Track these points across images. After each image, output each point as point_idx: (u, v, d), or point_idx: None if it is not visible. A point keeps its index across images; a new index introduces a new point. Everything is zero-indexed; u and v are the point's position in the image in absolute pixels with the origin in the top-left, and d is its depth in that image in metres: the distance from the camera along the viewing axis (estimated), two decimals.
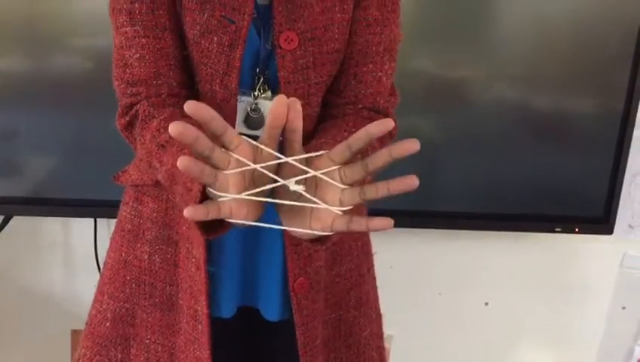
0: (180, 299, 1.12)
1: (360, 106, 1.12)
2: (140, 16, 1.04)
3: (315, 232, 0.85)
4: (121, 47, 1.07)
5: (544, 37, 1.78)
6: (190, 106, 0.77)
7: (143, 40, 1.05)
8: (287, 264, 1.10)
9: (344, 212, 0.84)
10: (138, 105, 1.05)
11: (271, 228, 1.06)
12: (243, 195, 0.81)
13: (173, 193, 0.97)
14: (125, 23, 1.05)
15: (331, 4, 1.06)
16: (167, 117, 1.01)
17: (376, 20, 1.10)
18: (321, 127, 1.10)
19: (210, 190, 0.82)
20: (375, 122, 0.81)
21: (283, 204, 0.85)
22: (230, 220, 0.82)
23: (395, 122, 1.13)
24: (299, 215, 0.86)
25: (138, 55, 1.05)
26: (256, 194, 0.82)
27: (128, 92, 1.06)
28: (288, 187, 0.82)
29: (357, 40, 1.10)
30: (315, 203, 0.83)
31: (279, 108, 0.80)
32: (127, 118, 1.07)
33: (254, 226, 0.84)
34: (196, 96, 1.09)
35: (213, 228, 0.90)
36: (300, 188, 0.82)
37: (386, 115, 1.14)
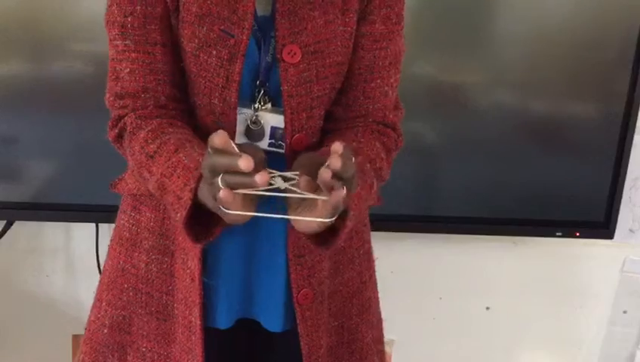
0: (175, 308, 1.13)
1: (370, 120, 1.12)
2: (132, 30, 1.04)
3: (317, 220, 0.88)
4: (113, 59, 1.07)
5: (544, 42, 1.78)
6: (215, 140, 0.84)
7: (134, 54, 1.05)
8: (290, 276, 1.10)
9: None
10: (126, 118, 1.06)
11: (273, 242, 1.10)
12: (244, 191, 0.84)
13: (165, 204, 0.98)
14: (117, 36, 1.05)
15: (333, 16, 1.05)
16: (154, 128, 1.02)
17: (382, 35, 1.10)
18: (330, 136, 1.10)
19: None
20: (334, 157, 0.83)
21: (291, 204, 0.90)
22: (227, 211, 0.85)
23: (402, 135, 1.15)
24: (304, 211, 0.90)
25: (128, 69, 1.05)
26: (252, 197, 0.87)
27: (116, 105, 1.07)
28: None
29: (364, 55, 1.10)
30: (301, 194, 0.87)
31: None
32: (117, 130, 1.07)
33: (257, 216, 0.87)
34: (186, 109, 1.10)
35: (203, 235, 0.92)
36: (286, 185, 0.86)
37: (394, 129, 1.15)
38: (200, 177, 0.91)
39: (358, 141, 1.07)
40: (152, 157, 0.99)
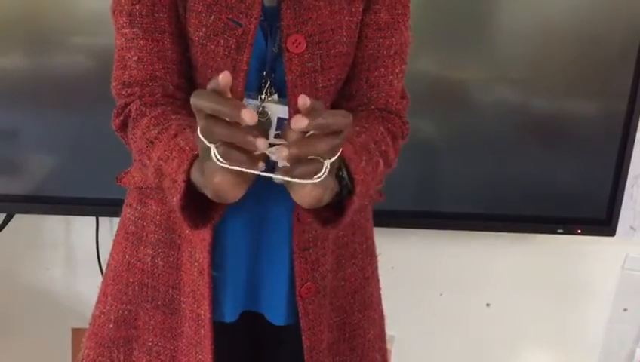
0: (182, 302, 1.12)
1: (372, 107, 1.12)
2: (140, 18, 1.04)
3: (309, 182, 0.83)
4: (121, 48, 1.07)
5: (547, 39, 1.78)
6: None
7: (142, 42, 1.04)
8: (294, 269, 1.09)
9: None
10: (131, 105, 1.05)
11: (278, 235, 1.09)
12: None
13: (163, 190, 0.96)
14: (125, 24, 1.05)
15: (339, 6, 1.05)
16: (157, 115, 1.01)
17: (387, 24, 1.09)
18: None
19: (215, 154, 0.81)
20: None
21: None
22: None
23: (407, 123, 1.14)
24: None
25: (136, 57, 1.05)
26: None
27: (123, 93, 1.06)
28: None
29: (368, 44, 1.09)
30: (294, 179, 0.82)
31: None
32: (122, 118, 1.06)
33: (261, 176, 0.82)
34: None
35: (200, 220, 0.91)
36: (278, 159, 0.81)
37: (399, 116, 1.14)
38: (194, 158, 0.89)
39: (362, 126, 1.05)
40: (152, 142, 0.98)
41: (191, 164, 0.89)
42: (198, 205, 0.92)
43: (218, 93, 0.77)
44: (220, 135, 0.77)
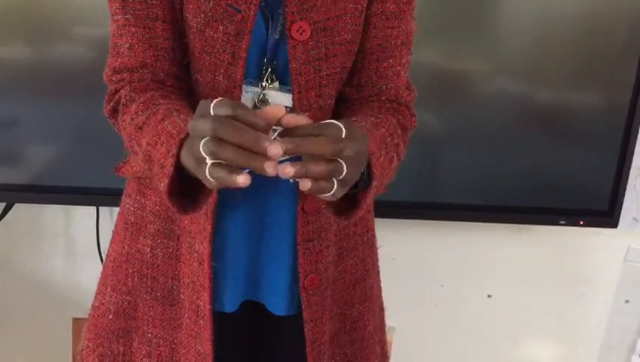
0: (181, 293, 1.12)
1: (383, 98, 1.11)
2: (133, 4, 1.03)
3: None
4: (114, 34, 1.06)
5: (550, 30, 1.77)
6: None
7: (133, 29, 1.03)
8: (298, 260, 1.09)
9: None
10: (121, 91, 1.04)
11: (281, 226, 1.10)
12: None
13: (152, 176, 0.94)
14: (118, 10, 1.04)
15: None
16: (146, 100, 1.00)
17: (394, 13, 1.08)
18: (344, 114, 1.09)
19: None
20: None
21: None
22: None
23: (415, 115, 1.15)
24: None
25: (128, 44, 1.04)
26: None
27: (114, 79, 1.06)
28: None
29: (376, 34, 1.08)
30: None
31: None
32: (112, 104, 1.05)
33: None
34: (186, 88, 1.08)
35: (189, 205, 0.91)
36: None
37: (408, 107, 1.13)
38: (182, 142, 0.87)
39: (376, 116, 1.05)
40: (140, 128, 0.97)
41: (179, 149, 0.88)
42: (187, 191, 0.91)
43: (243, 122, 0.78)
44: (229, 159, 0.78)
